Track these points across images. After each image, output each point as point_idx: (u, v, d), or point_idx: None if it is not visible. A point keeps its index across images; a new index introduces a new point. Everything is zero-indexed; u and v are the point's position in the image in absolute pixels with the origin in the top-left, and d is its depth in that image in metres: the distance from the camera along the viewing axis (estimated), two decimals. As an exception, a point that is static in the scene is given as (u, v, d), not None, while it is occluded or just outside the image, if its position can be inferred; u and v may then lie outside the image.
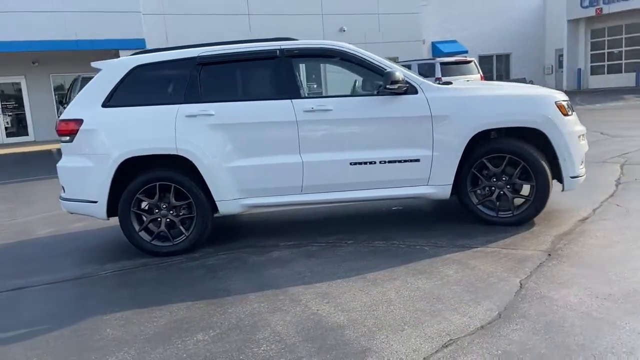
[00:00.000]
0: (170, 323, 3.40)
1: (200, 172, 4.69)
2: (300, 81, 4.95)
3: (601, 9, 26.06)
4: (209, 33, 17.12)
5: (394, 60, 25.98)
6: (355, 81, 5.35)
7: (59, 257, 5.14)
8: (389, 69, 4.65)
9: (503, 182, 4.73)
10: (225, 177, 4.71)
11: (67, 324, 3.52)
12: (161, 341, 3.16)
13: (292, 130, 4.71)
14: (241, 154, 4.72)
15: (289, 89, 4.79)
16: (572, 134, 4.69)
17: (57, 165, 5.04)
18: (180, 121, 4.70)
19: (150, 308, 3.67)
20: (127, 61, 4.98)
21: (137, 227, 4.79)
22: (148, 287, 4.12)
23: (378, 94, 4.76)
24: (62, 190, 5.05)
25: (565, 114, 4.71)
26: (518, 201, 4.81)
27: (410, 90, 4.68)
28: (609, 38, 27.50)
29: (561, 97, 4.84)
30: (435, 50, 27.20)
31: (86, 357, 3.03)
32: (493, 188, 4.77)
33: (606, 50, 27.82)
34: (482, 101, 4.78)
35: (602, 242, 4.17)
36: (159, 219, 4.81)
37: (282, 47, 4.85)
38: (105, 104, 4.83)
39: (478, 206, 4.83)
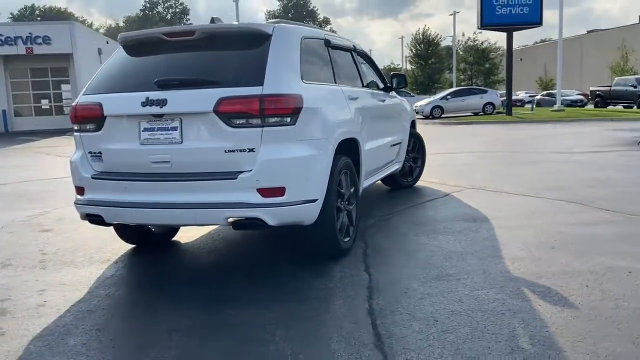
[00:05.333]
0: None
1: (361, 155, 4.48)
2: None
3: (31, 48, 25.59)
4: None
5: None
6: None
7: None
8: (395, 72, 5.99)
9: (410, 157, 6.91)
10: (365, 160, 4.67)
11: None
12: None
13: (385, 114, 5.25)
14: (369, 137, 4.81)
15: (368, 79, 5.23)
16: None
17: (274, 158, 3.38)
18: (349, 103, 4.33)
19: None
20: (295, 30, 3.97)
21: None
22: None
23: (395, 90, 5.94)
24: (274, 195, 3.38)
25: None
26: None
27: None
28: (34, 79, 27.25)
29: None
30: None
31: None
32: (406, 162, 6.87)
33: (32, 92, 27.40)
34: (406, 102, 6.83)
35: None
36: (341, 212, 4.13)
37: (353, 43, 5.21)
38: (302, 79, 3.70)
39: (400, 176, 6.81)
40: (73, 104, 3.87)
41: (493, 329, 2.86)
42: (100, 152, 3.72)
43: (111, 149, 3.69)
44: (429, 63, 51.63)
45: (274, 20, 4.21)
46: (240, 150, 3.39)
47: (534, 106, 31.37)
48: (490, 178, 7.61)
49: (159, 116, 3.51)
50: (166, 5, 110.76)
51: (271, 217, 3.39)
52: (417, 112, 28.72)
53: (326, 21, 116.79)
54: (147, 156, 3.57)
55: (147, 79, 3.64)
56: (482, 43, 46.30)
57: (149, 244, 4.60)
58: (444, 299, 3.28)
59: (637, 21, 58.62)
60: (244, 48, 3.70)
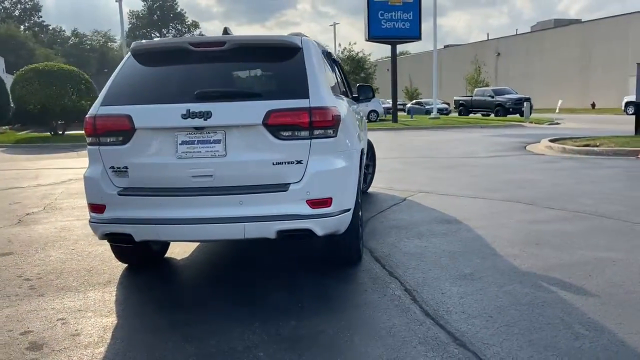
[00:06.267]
0: None
1: (362, 164, 4.62)
2: None
3: None
4: None
5: None
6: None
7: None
8: (362, 84, 6.20)
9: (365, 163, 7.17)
10: (361, 169, 4.82)
11: None
12: None
13: (362, 123, 5.43)
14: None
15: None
16: None
17: (323, 169, 3.43)
18: (354, 113, 4.47)
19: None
20: (315, 43, 4.00)
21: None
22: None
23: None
24: (322, 205, 3.41)
25: None
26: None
27: None
28: None
29: None
30: None
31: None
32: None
33: None
34: None
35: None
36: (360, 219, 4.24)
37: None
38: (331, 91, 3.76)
39: None
40: (89, 115, 3.56)
41: (545, 320, 3.18)
42: (126, 167, 3.47)
43: (141, 163, 3.46)
44: (305, 71, 52.65)
45: (295, 32, 4.22)
46: (289, 163, 3.39)
47: (412, 115, 33.64)
48: (430, 182, 8.15)
49: (200, 129, 3.38)
50: (14, 0, 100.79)
51: (320, 228, 3.44)
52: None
53: (195, 25, 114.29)
54: (186, 170, 3.42)
55: (182, 90, 3.50)
56: (357, 54, 48.34)
57: (145, 262, 4.34)
58: (482, 297, 3.56)
59: (486, 38, 65.38)
60: (277, 60, 3.70)
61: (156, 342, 3.03)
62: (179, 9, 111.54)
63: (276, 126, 3.36)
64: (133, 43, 3.79)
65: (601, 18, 51.04)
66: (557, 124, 24.53)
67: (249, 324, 3.20)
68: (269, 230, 3.38)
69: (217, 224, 3.36)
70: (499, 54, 59.35)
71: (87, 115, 3.57)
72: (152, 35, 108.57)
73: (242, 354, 2.85)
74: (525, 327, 3.08)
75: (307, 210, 3.40)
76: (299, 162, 3.40)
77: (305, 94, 3.44)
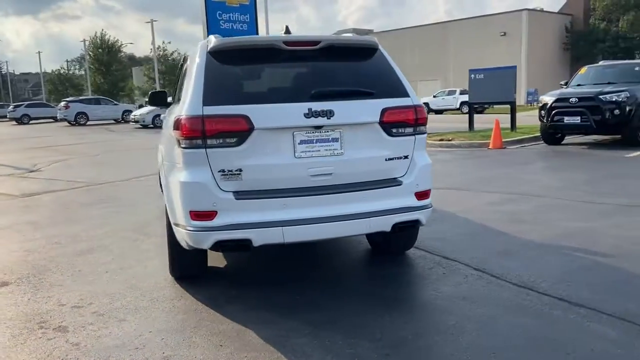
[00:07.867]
0: None
1: None
2: None
3: None
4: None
5: None
6: None
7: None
8: None
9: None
10: None
11: None
12: None
13: None
14: None
15: None
16: None
17: (425, 163, 3.74)
18: None
19: None
20: None
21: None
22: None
23: None
24: (425, 197, 3.69)
25: None
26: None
27: None
28: None
29: None
30: None
31: None
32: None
33: None
34: None
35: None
36: None
37: None
38: None
39: None
40: (192, 115, 3.18)
41: (611, 278, 3.79)
42: (240, 170, 3.23)
43: (257, 165, 3.26)
44: (112, 70, 49.24)
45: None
46: (398, 158, 3.57)
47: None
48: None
49: (319, 127, 3.35)
50: None
51: (424, 218, 3.68)
52: (136, 122, 27.50)
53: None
54: (305, 170, 3.35)
55: (296, 89, 3.46)
56: (171, 53, 46.73)
57: (197, 272, 4.01)
58: (538, 267, 4.05)
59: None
60: (363, 60, 3.75)
61: (312, 345, 2.91)
62: None
63: (389, 123, 3.50)
64: (213, 42, 3.48)
65: (389, 30, 57.25)
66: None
67: (379, 319, 3.23)
68: (388, 223, 3.48)
69: (342, 221, 3.34)
70: (306, 57, 62.67)
71: (187, 116, 3.20)
72: None
73: (413, 343, 2.94)
74: (605, 286, 3.65)
75: (416, 202, 3.60)
76: (406, 157, 3.58)
77: (405, 93, 3.63)
